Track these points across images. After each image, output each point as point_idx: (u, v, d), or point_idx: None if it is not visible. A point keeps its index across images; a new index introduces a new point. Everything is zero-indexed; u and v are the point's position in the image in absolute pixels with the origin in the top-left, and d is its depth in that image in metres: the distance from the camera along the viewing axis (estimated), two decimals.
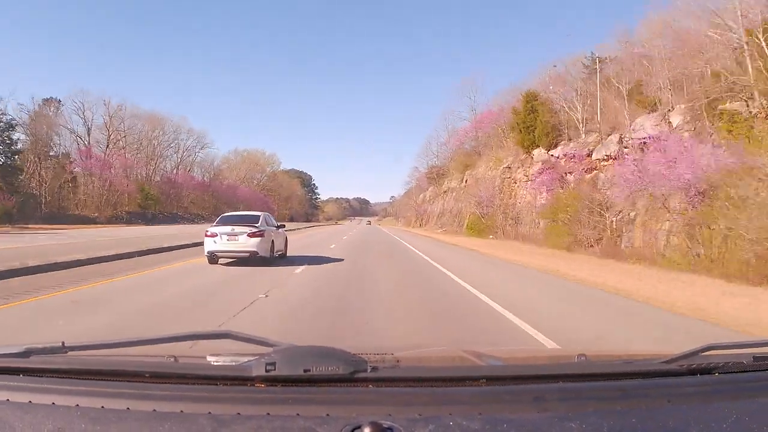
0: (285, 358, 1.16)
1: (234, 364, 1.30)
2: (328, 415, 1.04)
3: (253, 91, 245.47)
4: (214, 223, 14.51)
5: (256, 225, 14.07)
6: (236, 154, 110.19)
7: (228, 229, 13.90)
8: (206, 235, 14.00)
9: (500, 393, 1.16)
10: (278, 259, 15.42)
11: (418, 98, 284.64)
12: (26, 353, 1.29)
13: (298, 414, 1.04)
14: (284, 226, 17.19)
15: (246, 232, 13.76)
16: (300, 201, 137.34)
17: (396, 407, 1.07)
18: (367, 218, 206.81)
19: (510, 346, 5.49)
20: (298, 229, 52.85)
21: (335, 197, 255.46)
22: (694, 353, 1.27)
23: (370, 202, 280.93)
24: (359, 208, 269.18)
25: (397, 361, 1.42)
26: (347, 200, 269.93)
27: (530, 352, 3.33)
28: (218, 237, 13.79)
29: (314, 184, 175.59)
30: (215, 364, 1.49)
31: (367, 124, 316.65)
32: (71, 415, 1.07)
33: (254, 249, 13.66)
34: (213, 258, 14.04)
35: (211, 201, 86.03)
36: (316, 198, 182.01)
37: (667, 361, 1.26)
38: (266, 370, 1.13)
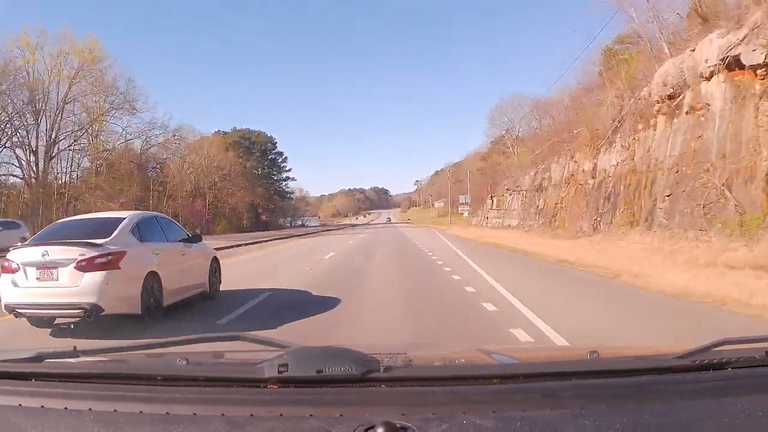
0: (297, 359, 1.16)
1: (246, 365, 1.31)
2: (341, 415, 1.04)
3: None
4: (28, 241, 7.15)
5: (99, 244, 6.31)
6: None
7: (38, 253, 6.25)
8: (2, 270, 6.58)
9: (513, 391, 1.16)
10: (192, 310, 7.81)
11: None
12: (38, 358, 1.29)
13: (311, 415, 1.04)
14: (200, 237, 8.97)
15: (74, 261, 6.11)
16: (235, 183, 64.22)
17: (409, 407, 1.07)
18: (389, 211, 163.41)
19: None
20: None
21: (347, 188, 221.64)
22: (706, 348, 1.27)
23: (390, 192, 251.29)
24: (377, 200, 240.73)
25: (410, 360, 1.42)
26: (362, 191, 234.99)
27: (542, 350, 3.32)
28: (20, 272, 6.30)
29: (279, 152, 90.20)
30: (227, 366, 1.50)
31: (385, 109, 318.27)
32: (84, 419, 1.07)
33: (91, 300, 6.04)
34: (23, 317, 6.67)
35: None
36: (284, 179, 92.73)
37: (680, 357, 1.26)
38: (279, 372, 1.13)
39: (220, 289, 9.29)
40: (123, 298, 6.37)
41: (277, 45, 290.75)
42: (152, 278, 6.83)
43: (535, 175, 39.49)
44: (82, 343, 1.38)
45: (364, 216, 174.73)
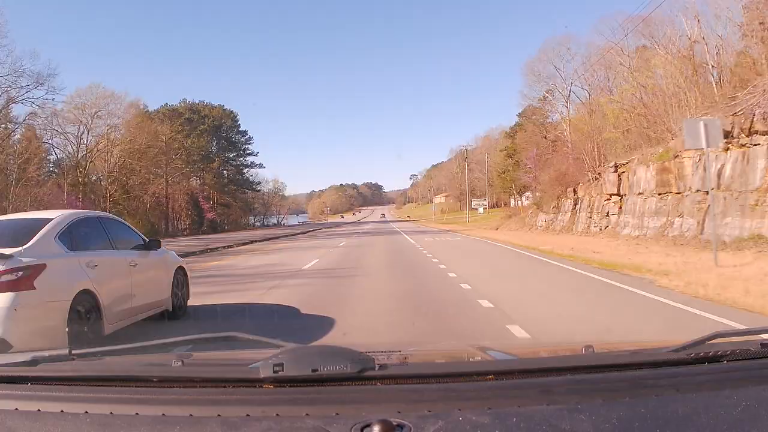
0: (292, 358, 1.16)
1: (242, 366, 1.31)
2: (337, 414, 1.04)
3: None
4: None
5: (7, 255, 4.55)
6: None
7: None
8: None
9: (509, 387, 1.16)
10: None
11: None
12: (33, 361, 1.29)
13: (307, 414, 1.04)
14: (159, 243, 7.11)
15: None
16: (174, 166, 50.65)
17: (405, 404, 1.07)
18: (382, 207, 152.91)
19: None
20: None
21: (339, 184, 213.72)
22: (701, 341, 1.27)
23: (384, 188, 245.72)
24: (370, 196, 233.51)
25: (405, 358, 1.42)
26: (354, 186, 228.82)
27: (537, 346, 3.32)
28: None
29: (242, 131, 69.72)
30: (223, 366, 1.49)
31: (379, 110, 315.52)
32: (80, 422, 1.07)
33: None
34: None
35: None
36: (248, 165, 71.09)
37: (675, 350, 1.26)
38: (274, 371, 1.13)
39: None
40: (39, 328, 4.60)
41: (267, 40, 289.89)
42: (85, 299, 5.08)
43: None
44: (78, 346, 1.38)
45: (353, 214, 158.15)
